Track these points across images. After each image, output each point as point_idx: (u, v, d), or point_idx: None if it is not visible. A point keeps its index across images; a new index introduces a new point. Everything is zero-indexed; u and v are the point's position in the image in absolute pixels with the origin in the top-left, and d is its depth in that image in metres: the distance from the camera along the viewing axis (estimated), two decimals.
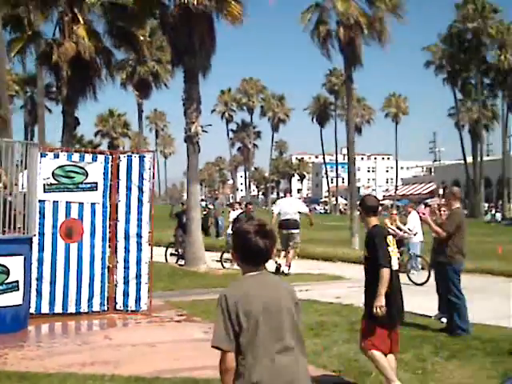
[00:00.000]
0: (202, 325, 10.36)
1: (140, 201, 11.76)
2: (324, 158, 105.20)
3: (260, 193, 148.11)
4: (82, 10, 23.10)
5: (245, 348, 3.25)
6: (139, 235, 11.70)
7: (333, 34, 31.54)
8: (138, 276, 11.59)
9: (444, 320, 10.56)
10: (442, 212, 11.71)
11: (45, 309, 11.04)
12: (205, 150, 20.27)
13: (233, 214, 23.69)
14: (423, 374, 7.41)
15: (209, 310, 11.74)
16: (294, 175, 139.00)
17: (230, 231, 22.88)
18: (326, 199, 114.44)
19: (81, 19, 22.84)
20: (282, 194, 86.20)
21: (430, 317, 11.06)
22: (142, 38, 26.43)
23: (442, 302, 10.90)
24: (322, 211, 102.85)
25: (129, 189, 11.75)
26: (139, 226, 11.74)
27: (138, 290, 11.56)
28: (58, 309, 11.12)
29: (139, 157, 11.98)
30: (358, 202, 7.59)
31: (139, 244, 11.69)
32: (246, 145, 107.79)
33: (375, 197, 7.30)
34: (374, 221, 6.66)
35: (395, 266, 6.48)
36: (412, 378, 7.25)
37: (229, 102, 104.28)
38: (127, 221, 11.72)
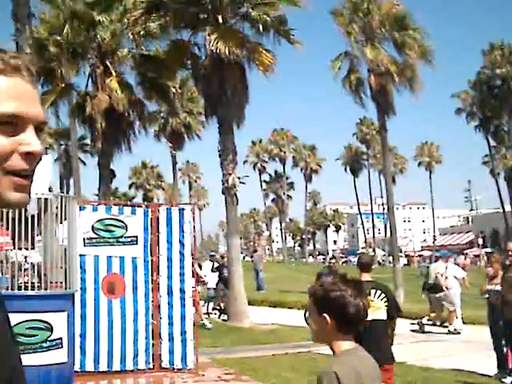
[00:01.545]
0: None
1: (181, 254, 11.43)
2: (359, 208, 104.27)
3: (296, 244, 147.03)
4: (113, 63, 23.30)
5: None
6: (182, 290, 11.32)
7: (364, 82, 31.51)
8: (183, 332, 11.16)
9: (508, 381, 9.97)
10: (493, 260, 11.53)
11: (89, 366, 10.62)
12: (239, 201, 20.00)
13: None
14: None
15: (257, 368, 11.31)
16: (329, 226, 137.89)
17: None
18: (364, 250, 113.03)
19: (113, 71, 23.00)
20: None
21: (491, 376, 10.49)
22: (173, 89, 26.45)
23: (501, 359, 10.40)
24: None
25: (169, 242, 11.44)
26: (182, 280, 11.36)
27: (184, 346, 11.10)
28: (103, 367, 10.73)
29: (179, 209, 11.70)
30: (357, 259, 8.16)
31: (182, 299, 11.30)
32: (280, 196, 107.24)
33: (368, 255, 7.95)
34: (364, 276, 7.27)
35: (370, 316, 6.47)
36: None
37: (260, 153, 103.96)
38: (169, 275, 11.38)
